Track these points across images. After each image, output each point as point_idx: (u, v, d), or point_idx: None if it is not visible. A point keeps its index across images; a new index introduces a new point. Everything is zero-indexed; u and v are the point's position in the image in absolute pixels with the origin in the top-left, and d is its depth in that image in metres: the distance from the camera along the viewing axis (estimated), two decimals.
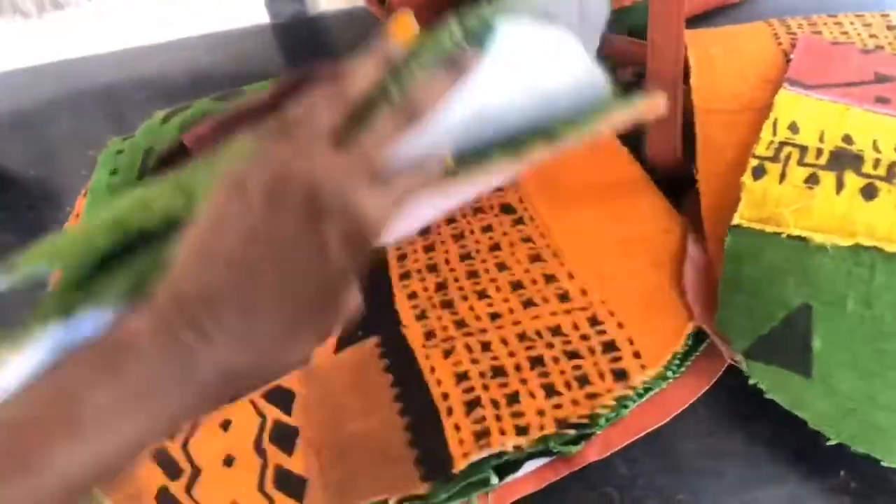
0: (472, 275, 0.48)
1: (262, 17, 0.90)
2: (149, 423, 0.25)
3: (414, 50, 0.33)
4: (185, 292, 0.26)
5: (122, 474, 0.26)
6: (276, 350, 0.27)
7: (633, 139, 0.50)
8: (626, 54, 0.62)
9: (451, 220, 0.52)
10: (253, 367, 0.27)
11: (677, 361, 0.41)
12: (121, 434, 0.25)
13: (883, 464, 0.35)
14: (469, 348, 0.44)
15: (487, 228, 0.51)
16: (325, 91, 0.29)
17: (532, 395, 0.41)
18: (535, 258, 0.48)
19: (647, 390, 0.40)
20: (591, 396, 0.40)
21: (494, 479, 0.38)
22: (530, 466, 0.39)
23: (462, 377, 0.42)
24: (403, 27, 0.34)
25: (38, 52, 0.91)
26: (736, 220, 0.43)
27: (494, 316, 0.45)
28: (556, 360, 0.42)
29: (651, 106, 0.34)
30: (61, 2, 0.87)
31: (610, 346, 0.42)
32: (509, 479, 0.39)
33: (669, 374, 0.41)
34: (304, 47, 0.85)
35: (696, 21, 0.65)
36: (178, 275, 0.27)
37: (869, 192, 0.42)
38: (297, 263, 0.27)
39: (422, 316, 0.47)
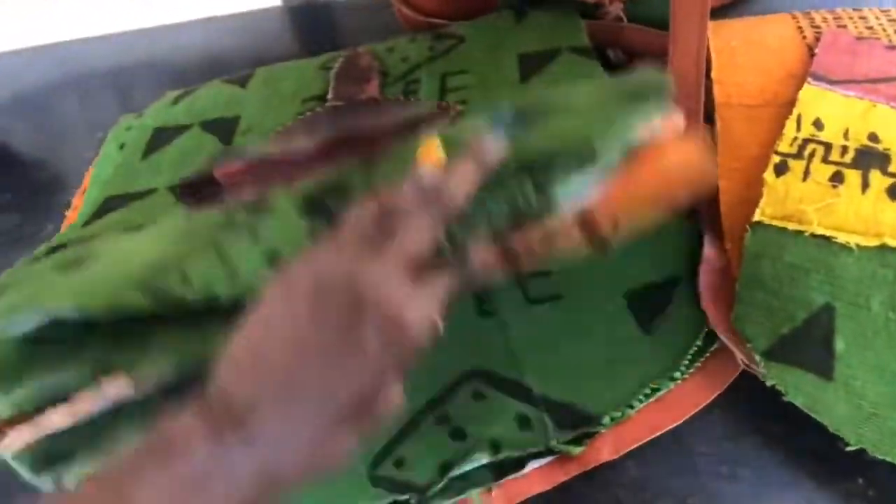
0: None
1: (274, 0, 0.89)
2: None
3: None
4: (232, 394, 0.27)
5: None
6: (315, 452, 0.28)
7: None
8: (647, 45, 0.61)
9: None
10: (291, 469, 0.28)
11: (686, 361, 0.40)
12: None
13: None
14: None
15: None
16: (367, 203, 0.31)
17: None
18: None
19: (654, 390, 0.40)
20: None
21: (489, 477, 0.38)
22: (535, 465, 0.39)
23: None
24: (432, 153, 0.35)
25: (45, 33, 0.90)
26: (757, 217, 0.41)
27: None
28: None
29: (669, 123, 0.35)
30: None
31: None
32: (514, 476, 0.38)
33: (678, 374, 0.40)
34: (316, 31, 0.84)
35: (717, 12, 0.64)
36: (225, 376, 0.28)
37: (895, 192, 0.41)
38: (340, 369, 0.28)
39: None
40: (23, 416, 0.36)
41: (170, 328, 0.35)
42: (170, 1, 0.89)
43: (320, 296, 0.28)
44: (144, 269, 0.35)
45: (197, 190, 0.43)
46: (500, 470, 0.38)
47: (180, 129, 0.61)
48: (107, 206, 0.54)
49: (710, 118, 0.50)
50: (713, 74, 0.53)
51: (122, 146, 0.62)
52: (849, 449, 0.35)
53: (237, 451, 0.26)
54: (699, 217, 0.47)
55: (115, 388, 0.35)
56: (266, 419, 0.27)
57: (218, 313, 0.34)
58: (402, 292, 0.29)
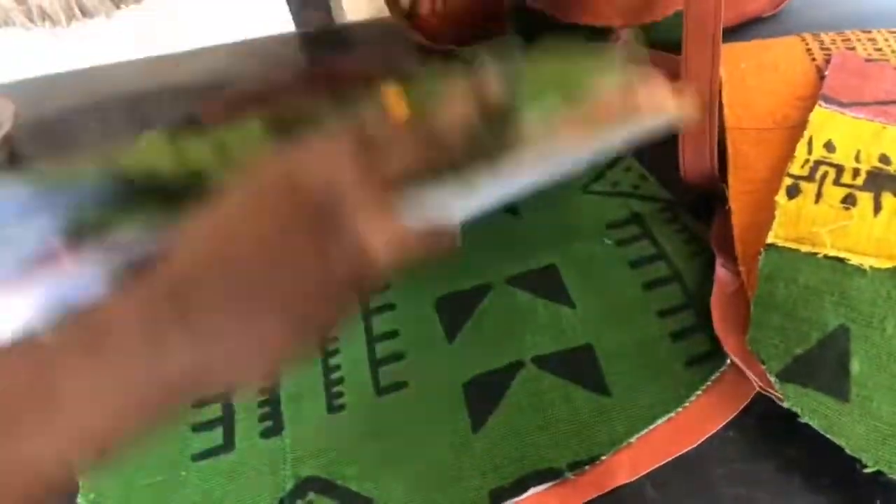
0: None
1: (289, 26, 0.91)
2: (118, 409, 0.25)
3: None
4: (181, 278, 0.26)
5: (83, 468, 0.26)
6: (251, 356, 0.27)
7: (667, 157, 0.49)
8: (657, 69, 0.62)
9: None
10: (221, 368, 0.26)
11: None
12: (91, 419, 0.25)
13: None
14: None
15: None
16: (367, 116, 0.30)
17: None
18: None
19: None
20: None
21: None
22: (539, 489, 0.39)
23: None
24: (397, 101, 0.35)
25: (65, 59, 0.92)
26: (770, 239, 0.42)
27: None
28: None
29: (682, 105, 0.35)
30: (90, 9, 0.88)
31: None
32: (530, 494, 0.38)
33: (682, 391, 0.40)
34: (330, 57, 0.86)
35: (727, 34, 0.65)
36: (177, 266, 0.26)
37: None
38: (298, 274, 0.27)
39: None
40: None
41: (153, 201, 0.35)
42: (188, 28, 0.91)
43: (294, 197, 0.27)
44: (145, 156, 0.36)
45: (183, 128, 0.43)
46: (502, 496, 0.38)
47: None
48: None
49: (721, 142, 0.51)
50: (723, 98, 0.53)
51: None
52: (866, 471, 0.35)
53: (172, 340, 0.25)
54: (711, 240, 0.48)
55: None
56: (212, 310, 0.26)
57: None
58: (376, 216, 0.27)
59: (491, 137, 0.31)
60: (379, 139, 0.29)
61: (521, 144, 0.32)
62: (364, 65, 0.39)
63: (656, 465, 0.38)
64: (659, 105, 0.35)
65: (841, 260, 0.40)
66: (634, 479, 0.38)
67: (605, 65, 0.35)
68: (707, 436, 0.39)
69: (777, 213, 0.43)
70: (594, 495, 0.38)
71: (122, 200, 0.36)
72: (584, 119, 0.34)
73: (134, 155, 0.37)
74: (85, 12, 0.88)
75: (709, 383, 0.41)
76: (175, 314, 0.25)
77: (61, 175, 0.36)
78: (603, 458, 0.39)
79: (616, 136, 0.34)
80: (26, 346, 0.25)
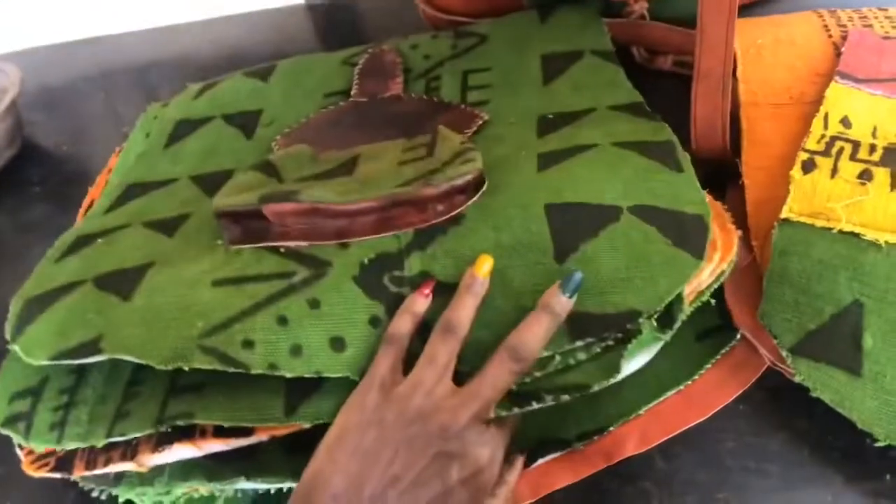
0: None
1: None
2: None
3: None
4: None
5: None
6: None
7: (682, 135, 0.48)
8: (669, 43, 0.61)
9: None
10: None
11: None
12: None
13: None
14: None
15: None
16: (440, 333, 0.37)
17: None
18: None
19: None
20: None
21: None
22: (552, 456, 0.39)
23: None
24: (484, 265, 0.39)
25: (73, 28, 0.91)
26: (784, 214, 0.41)
27: None
28: None
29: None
30: None
31: None
32: (539, 463, 0.39)
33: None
34: (338, 29, 0.85)
35: (743, 9, 0.64)
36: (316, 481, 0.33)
37: None
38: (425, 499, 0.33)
39: None
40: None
41: (224, 384, 0.38)
42: None
43: (411, 441, 0.33)
44: (205, 325, 0.38)
45: (241, 220, 0.43)
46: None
47: (202, 122, 0.61)
48: (128, 195, 0.54)
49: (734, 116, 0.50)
50: (739, 73, 0.53)
51: (147, 135, 0.63)
52: (877, 445, 0.35)
53: None
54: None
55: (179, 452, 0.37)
56: None
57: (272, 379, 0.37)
58: (481, 445, 0.34)
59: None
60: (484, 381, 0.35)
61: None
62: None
63: (666, 437, 0.39)
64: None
65: (856, 235, 0.39)
66: (644, 450, 0.38)
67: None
68: (717, 409, 0.39)
69: (792, 187, 0.43)
70: (603, 465, 0.38)
71: None
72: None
73: (246, 341, 0.38)
74: None
75: (718, 357, 0.41)
76: None
77: None
78: (611, 428, 0.39)
79: None
80: None
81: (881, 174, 0.42)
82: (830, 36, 0.55)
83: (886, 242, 0.39)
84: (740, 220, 0.45)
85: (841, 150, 0.44)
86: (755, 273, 0.43)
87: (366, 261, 0.40)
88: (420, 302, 0.38)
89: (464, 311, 0.37)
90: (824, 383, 0.37)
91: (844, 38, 0.54)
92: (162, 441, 0.37)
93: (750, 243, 0.44)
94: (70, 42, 0.91)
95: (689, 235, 0.39)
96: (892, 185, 0.41)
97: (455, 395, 0.35)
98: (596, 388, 0.36)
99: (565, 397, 0.36)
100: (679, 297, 0.38)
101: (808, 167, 0.44)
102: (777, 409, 0.39)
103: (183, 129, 0.61)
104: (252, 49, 0.82)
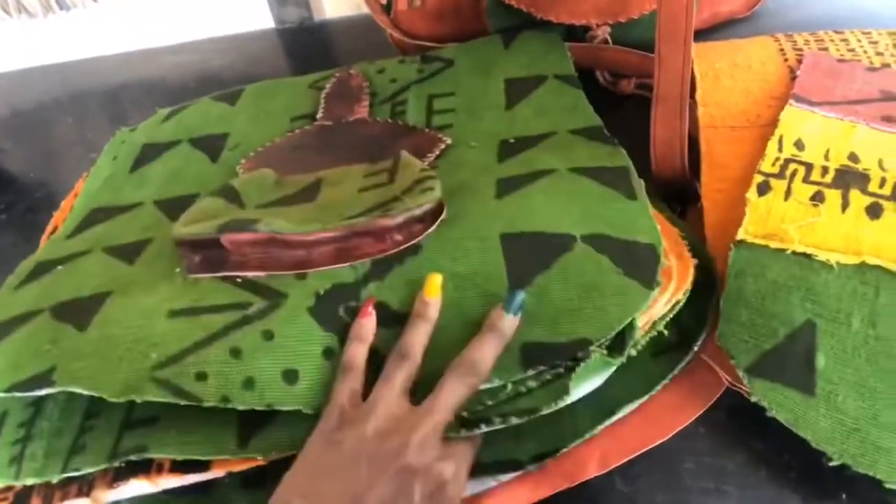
0: None
1: (267, 21, 0.90)
2: None
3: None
4: None
5: None
6: None
7: (639, 154, 0.49)
8: (631, 67, 0.62)
9: None
10: None
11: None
12: None
13: (886, 485, 0.34)
14: None
15: None
16: (395, 358, 0.37)
17: None
18: None
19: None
20: None
21: None
22: (507, 477, 0.39)
23: None
24: (434, 286, 0.40)
25: (42, 53, 0.91)
26: (740, 236, 0.42)
27: None
28: None
29: None
30: (67, 2, 0.87)
31: None
32: (498, 485, 0.38)
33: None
34: (308, 53, 0.86)
35: (701, 34, 0.65)
36: None
37: (874, 212, 0.42)
38: None
39: None
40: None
41: (178, 418, 0.38)
42: (165, 23, 0.90)
43: (371, 460, 0.33)
44: (159, 356, 0.37)
45: (199, 249, 0.43)
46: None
47: (169, 145, 0.61)
48: (91, 219, 0.54)
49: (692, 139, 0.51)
50: (698, 96, 0.54)
51: (114, 158, 0.63)
52: (832, 464, 0.36)
53: None
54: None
55: (134, 488, 0.37)
56: None
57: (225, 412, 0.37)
58: (442, 460, 0.34)
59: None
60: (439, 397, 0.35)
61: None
62: (385, 128, 0.42)
63: (627, 459, 0.39)
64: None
65: (808, 256, 0.40)
66: (604, 472, 0.39)
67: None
68: (677, 430, 0.40)
69: (748, 209, 0.43)
70: (565, 486, 0.38)
71: None
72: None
73: (199, 375, 0.38)
74: (62, 5, 0.87)
75: (675, 374, 0.41)
76: None
77: None
78: (565, 449, 0.39)
79: None
80: None
81: (833, 196, 0.43)
82: (786, 60, 0.57)
83: (838, 263, 0.40)
84: (699, 242, 0.46)
85: (795, 173, 0.45)
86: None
87: (321, 291, 0.40)
88: (366, 325, 0.39)
89: (416, 336, 0.38)
90: (779, 403, 0.37)
91: (800, 61, 0.56)
92: (118, 476, 0.37)
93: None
94: (38, 67, 0.91)
95: (640, 265, 0.39)
96: (843, 207, 0.42)
97: (413, 413, 0.35)
98: (545, 411, 0.36)
99: (515, 420, 0.36)
100: (631, 325, 0.38)
101: (763, 189, 0.45)
102: (735, 429, 0.40)
103: (149, 152, 0.61)
104: (223, 73, 0.83)
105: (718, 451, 0.39)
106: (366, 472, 0.33)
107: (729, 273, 0.42)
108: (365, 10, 0.73)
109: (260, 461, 0.37)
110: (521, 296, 0.38)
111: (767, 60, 0.57)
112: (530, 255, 0.40)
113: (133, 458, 0.36)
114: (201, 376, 0.36)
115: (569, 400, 0.36)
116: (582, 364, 0.37)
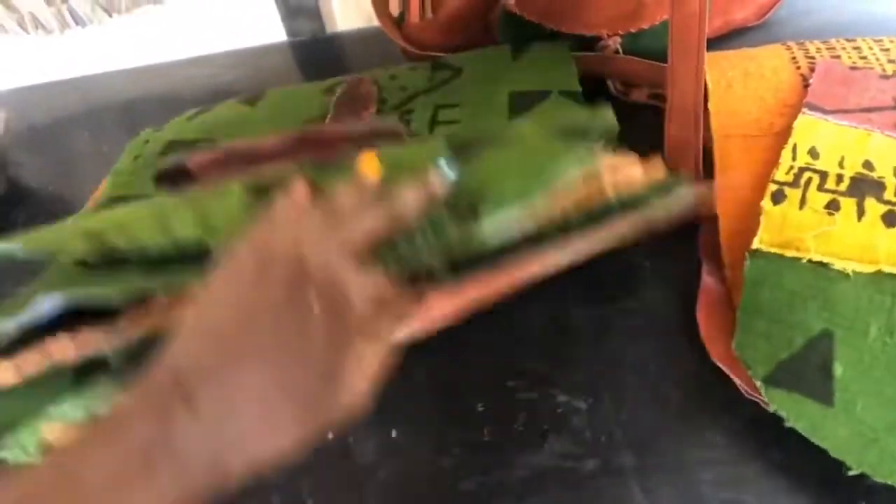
0: None
1: (280, 35, 0.91)
2: (142, 495, 0.26)
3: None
4: (180, 366, 0.27)
5: None
6: (265, 435, 0.27)
7: None
8: (642, 76, 0.62)
9: None
10: (240, 453, 0.27)
11: None
12: None
13: None
14: None
15: None
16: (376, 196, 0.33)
17: None
18: None
19: None
20: None
21: None
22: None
23: None
24: (370, 165, 0.39)
25: (58, 68, 0.92)
26: (756, 245, 0.42)
27: None
28: None
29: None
30: (83, 18, 0.88)
31: None
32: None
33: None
34: (321, 65, 0.86)
35: (713, 42, 0.65)
36: (175, 350, 0.28)
37: (890, 219, 0.42)
38: (288, 342, 0.28)
39: None
40: None
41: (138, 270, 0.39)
42: (179, 37, 0.91)
43: (267, 269, 0.29)
44: (98, 224, 0.40)
45: (171, 178, 0.47)
46: None
47: (190, 143, 0.63)
48: (106, 206, 0.57)
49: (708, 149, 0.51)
50: (710, 106, 0.54)
51: (136, 157, 0.64)
52: (850, 474, 0.36)
53: (183, 428, 0.26)
54: (697, 246, 0.48)
55: (59, 349, 0.37)
56: (214, 392, 0.27)
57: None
58: (346, 271, 0.29)
59: (452, 225, 0.36)
60: (346, 207, 0.32)
61: (478, 237, 0.36)
62: (353, 128, 0.43)
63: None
64: (627, 184, 0.38)
65: (824, 265, 0.40)
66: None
67: (567, 153, 0.39)
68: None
69: (762, 218, 0.43)
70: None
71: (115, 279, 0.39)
72: (545, 209, 0.38)
73: (121, 229, 0.40)
74: (77, 20, 0.89)
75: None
76: (177, 395, 0.26)
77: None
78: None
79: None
80: (49, 455, 0.28)
81: (848, 204, 0.43)
82: (798, 68, 0.57)
83: (854, 272, 0.40)
84: (714, 252, 0.46)
85: (809, 181, 0.45)
86: (729, 305, 0.43)
87: (258, 178, 0.41)
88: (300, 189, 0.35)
89: (354, 200, 0.33)
90: (798, 413, 0.37)
91: (812, 69, 0.56)
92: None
93: (723, 275, 0.45)
94: (54, 82, 0.92)
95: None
96: (858, 215, 0.42)
97: (323, 232, 0.31)
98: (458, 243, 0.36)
99: (431, 258, 0.36)
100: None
101: (777, 198, 0.45)
102: (753, 439, 0.40)
103: (172, 149, 0.63)
104: (236, 85, 0.83)
105: (737, 460, 0.39)
106: (254, 280, 0.29)
107: (745, 283, 0.42)
108: (377, 22, 0.74)
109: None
110: (453, 162, 0.37)
111: (780, 69, 0.57)
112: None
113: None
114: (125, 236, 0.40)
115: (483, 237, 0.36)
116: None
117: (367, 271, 0.31)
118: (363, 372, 0.29)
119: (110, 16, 0.89)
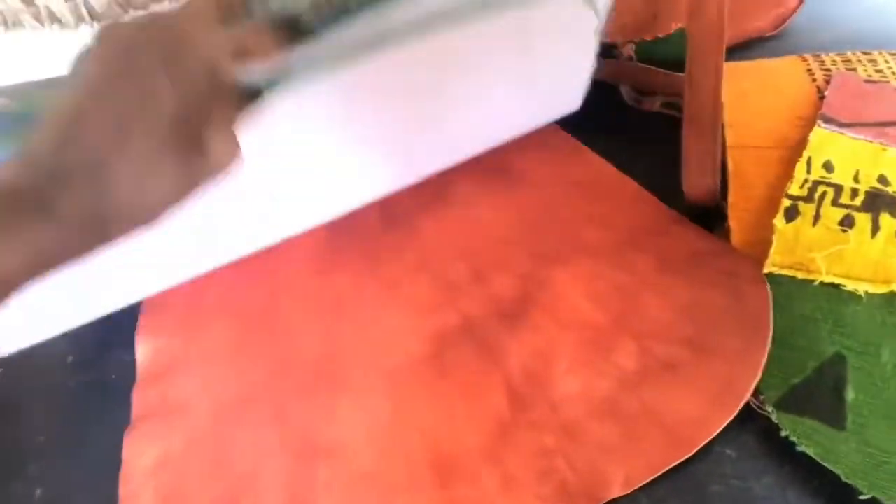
0: None
1: None
2: (15, 261, 0.25)
3: None
4: (62, 140, 0.27)
5: None
6: (133, 187, 0.27)
7: (670, 177, 0.49)
8: (657, 85, 0.62)
9: None
10: (112, 205, 0.27)
11: None
12: None
13: None
14: None
15: None
16: None
17: None
18: None
19: None
20: None
21: None
22: None
23: None
24: None
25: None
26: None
27: None
28: None
29: None
30: (99, 12, 0.88)
31: None
32: None
33: None
34: None
35: (728, 53, 0.65)
36: (58, 118, 0.28)
37: None
38: (153, 92, 0.28)
39: None
40: None
41: None
42: None
43: (136, 39, 0.29)
44: None
45: None
46: None
47: None
48: None
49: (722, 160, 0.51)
50: (725, 117, 0.54)
51: None
52: (862, 497, 0.36)
53: (56, 188, 0.26)
54: None
55: None
56: (85, 147, 0.27)
57: None
58: (198, 33, 0.30)
59: None
60: None
61: None
62: None
63: (651, 477, 0.39)
64: None
65: (836, 286, 0.40)
66: (629, 492, 0.39)
67: None
68: (701, 445, 0.39)
69: (775, 237, 0.43)
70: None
71: None
72: None
73: None
74: (94, 15, 0.89)
75: None
76: (59, 167, 0.26)
77: None
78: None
79: None
80: None
81: (862, 220, 0.43)
82: (814, 80, 0.56)
83: (866, 293, 0.40)
84: None
85: (824, 195, 0.45)
86: None
87: None
88: None
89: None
90: (809, 437, 0.37)
91: (828, 81, 0.56)
92: None
93: None
94: None
95: None
96: (872, 232, 0.42)
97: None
98: None
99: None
100: None
101: (790, 214, 0.45)
102: (764, 454, 0.40)
103: None
104: None
105: (746, 474, 0.39)
106: (124, 53, 0.29)
107: None
108: None
109: None
110: None
111: (795, 80, 0.57)
112: None
113: None
114: None
115: None
116: None
117: (226, 28, 0.31)
118: (228, 124, 0.30)
119: (126, 11, 0.89)
